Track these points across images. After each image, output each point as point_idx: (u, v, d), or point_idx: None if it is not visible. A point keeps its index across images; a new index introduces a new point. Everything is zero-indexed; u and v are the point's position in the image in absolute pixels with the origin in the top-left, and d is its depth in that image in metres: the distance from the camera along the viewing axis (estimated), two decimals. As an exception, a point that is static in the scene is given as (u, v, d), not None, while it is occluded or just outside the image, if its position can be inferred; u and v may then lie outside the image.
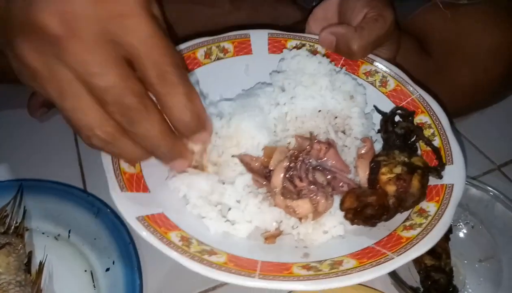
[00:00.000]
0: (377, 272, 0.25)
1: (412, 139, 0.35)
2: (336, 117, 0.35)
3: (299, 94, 0.35)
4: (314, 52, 0.41)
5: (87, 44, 0.24)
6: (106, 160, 0.30)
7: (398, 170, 0.30)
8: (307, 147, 0.32)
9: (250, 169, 0.31)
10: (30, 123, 0.54)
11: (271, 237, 0.30)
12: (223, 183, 0.31)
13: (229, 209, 0.30)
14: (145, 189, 0.30)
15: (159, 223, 0.28)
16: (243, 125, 0.32)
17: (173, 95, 0.26)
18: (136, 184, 0.30)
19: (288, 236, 0.31)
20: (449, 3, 0.48)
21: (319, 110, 0.34)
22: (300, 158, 0.31)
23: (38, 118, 0.48)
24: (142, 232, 0.27)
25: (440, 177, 0.32)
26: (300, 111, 0.34)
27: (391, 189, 0.29)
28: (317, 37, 0.41)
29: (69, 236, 0.40)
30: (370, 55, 0.40)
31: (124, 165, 0.30)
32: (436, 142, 0.35)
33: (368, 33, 0.37)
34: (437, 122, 0.36)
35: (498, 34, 0.48)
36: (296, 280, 0.25)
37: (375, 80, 0.40)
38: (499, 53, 0.49)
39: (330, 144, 0.33)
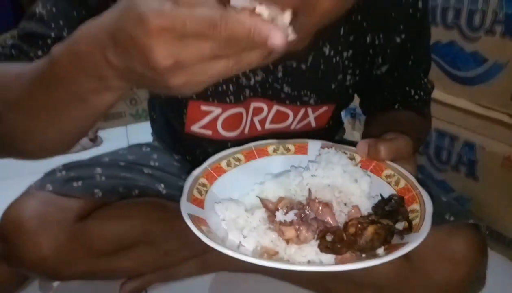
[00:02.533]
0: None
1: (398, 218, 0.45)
2: (340, 191, 0.48)
3: (319, 174, 0.50)
4: (351, 159, 0.56)
5: None
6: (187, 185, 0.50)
7: (364, 220, 0.41)
8: (307, 200, 0.46)
9: (266, 207, 0.47)
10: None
11: (268, 252, 0.44)
12: (247, 212, 0.47)
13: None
14: (202, 207, 0.49)
15: (200, 222, 0.45)
16: (271, 183, 0.50)
17: None
18: (198, 202, 0.49)
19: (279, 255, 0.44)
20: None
21: (328, 185, 0.49)
22: (301, 206, 0.46)
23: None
24: (187, 221, 0.45)
25: (402, 238, 0.40)
26: (315, 184, 0.49)
27: (351, 229, 0.41)
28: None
29: None
30: (394, 164, 0.53)
31: (196, 193, 0.50)
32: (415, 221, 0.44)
33: (392, 141, 0.49)
34: (423, 211, 0.45)
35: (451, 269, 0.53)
36: None
37: (391, 181, 0.52)
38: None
39: (327, 204, 0.46)
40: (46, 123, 0.39)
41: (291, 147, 0.58)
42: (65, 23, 0.47)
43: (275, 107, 0.60)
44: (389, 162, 0.50)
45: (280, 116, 0.62)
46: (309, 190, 0.48)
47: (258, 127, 0.63)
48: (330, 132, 0.76)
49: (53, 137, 0.41)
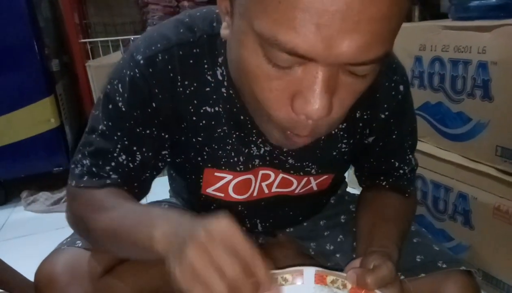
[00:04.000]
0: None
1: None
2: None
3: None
4: (344, 285, 0.54)
5: None
6: None
7: None
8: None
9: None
10: None
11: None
12: None
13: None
14: None
15: None
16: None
17: None
18: None
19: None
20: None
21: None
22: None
23: None
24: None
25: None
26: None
27: None
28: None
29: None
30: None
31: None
32: None
33: (377, 272, 0.51)
34: None
35: None
36: None
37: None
38: None
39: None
40: (116, 249, 0.56)
41: (289, 277, 0.61)
42: (123, 134, 0.56)
43: (281, 175, 0.66)
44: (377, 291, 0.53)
45: (285, 183, 0.68)
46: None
47: (266, 190, 0.68)
48: (332, 192, 0.83)
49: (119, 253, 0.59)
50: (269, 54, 0.36)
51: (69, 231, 0.72)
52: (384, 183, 0.67)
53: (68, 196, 0.62)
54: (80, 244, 0.68)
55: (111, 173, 0.56)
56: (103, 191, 0.56)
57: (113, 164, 0.56)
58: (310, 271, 0.56)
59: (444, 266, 0.62)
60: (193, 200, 0.79)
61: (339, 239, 0.73)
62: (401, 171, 0.66)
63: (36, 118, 1.56)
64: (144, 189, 0.62)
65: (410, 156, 0.67)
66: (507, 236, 0.84)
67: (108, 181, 0.56)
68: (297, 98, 0.38)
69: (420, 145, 1.04)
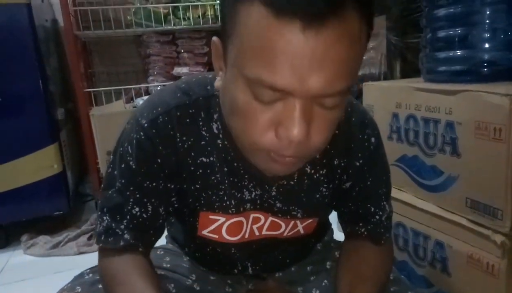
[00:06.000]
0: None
1: None
2: None
3: None
4: None
5: None
6: None
7: None
8: None
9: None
10: None
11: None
12: None
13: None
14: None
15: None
16: None
17: None
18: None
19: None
20: None
21: None
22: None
23: None
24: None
25: None
26: None
27: None
28: None
29: None
30: None
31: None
32: None
33: None
34: None
35: None
36: None
37: None
38: None
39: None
40: None
41: None
42: (135, 189, 0.65)
43: (270, 218, 0.73)
44: None
45: (274, 226, 0.74)
46: None
47: (256, 233, 0.75)
48: (319, 236, 0.89)
49: None
50: (255, 92, 0.46)
51: (67, 275, 0.77)
52: (362, 230, 0.73)
53: (99, 252, 0.71)
54: (79, 290, 0.73)
55: (125, 231, 0.65)
56: (120, 261, 0.65)
57: (128, 217, 0.65)
58: None
59: None
60: (189, 243, 0.85)
61: (323, 284, 0.78)
62: (377, 217, 0.73)
63: (40, 164, 1.63)
64: (159, 233, 0.70)
65: (385, 203, 0.74)
66: (481, 283, 0.90)
67: (122, 243, 0.65)
68: (280, 126, 0.47)
69: (400, 195, 1.11)
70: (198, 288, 0.82)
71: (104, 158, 1.76)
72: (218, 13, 2.16)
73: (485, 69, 0.95)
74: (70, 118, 2.10)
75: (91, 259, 0.84)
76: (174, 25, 2.08)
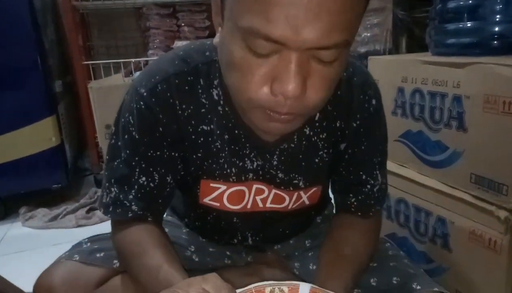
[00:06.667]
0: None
1: None
2: None
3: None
4: None
5: None
6: None
7: None
8: None
9: None
10: None
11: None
12: None
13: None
14: None
15: None
16: None
17: None
18: None
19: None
20: None
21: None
22: None
23: None
24: None
25: None
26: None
27: None
28: None
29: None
30: None
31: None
32: None
33: None
34: None
35: None
36: None
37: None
38: None
39: None
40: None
41: (285, 289, 0.65)
42: (140, 159, 0.63)
43: (274, 191, 0.72)
44: None
45: (278, 199, 0.73)
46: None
47: (260, 204, 0.74)
48: (320, 209, 0.88)
49: None
50: (251, 44, 0.44)
51: (65, 247, 0.76)
52: (353, 201, 0.72)
53: (111, 225, 0.70)
54: (77, 258, 0.73)
55: (133, 202, 0.64)
56: (134, 233, 0.65)
57: (136, 187, 0.64)
58: (305, 287, 0.58)
59: (419, 287, 0.67)
60: (190, 212, 0.84)
61: None
62: (368, 186, 0.71)
63: (38, 136, 1.62)
64: (168, 202, 0.69)
65: (377, 172, 0.72)
66: (482, 259, 0.89)
67: (130, 214, 0.65)
68: (275, 81, 0.46)
69: (403, 171, 1.10)
70: (197, 259, 0.81)
71: (102, 131, 1.74)
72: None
73: (495, 42, 0.92)
74: (68, 91, 2.07)
75: (89, 232, 0.83)
76: (174, -3, 2.03)
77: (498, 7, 0.92)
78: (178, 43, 2.09)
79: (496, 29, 0.92)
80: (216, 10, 0.52)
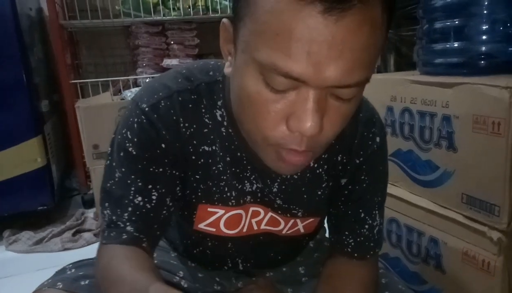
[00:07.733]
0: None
1: None
2: None
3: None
4: None
5: None
6: None
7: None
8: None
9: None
10: None
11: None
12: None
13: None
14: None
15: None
16: None
17: None
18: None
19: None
20: None
21: None
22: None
23: None
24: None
25: None
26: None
27: None
28: None
29: None
30: None
31: None
32: None
33: None
34: None
35: None
36: None
37: None
38: None
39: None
40: None
41: None
42: (137, 176, 0.60)
43: (270, 214, 0.70)
44: None
45: (273, 222, 0.71)
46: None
47: (255, 227, 0.72)
48: (312, 234, 0.86)
49: None
50: (268, 79, 0.43)
51: (51, 272, 0.73)
52: (350, 240, 0.69)
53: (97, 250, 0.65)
54: (61, 286, 0.69)
55: (128, 223, 0.60)
56: (120, 257, 0.59)
57: (130, 208, 0.60)
58: None
59: None
60: (182, 238, 0.82)
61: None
62: (366, 226, 0.69)
63: (23, 158, 1.58)
64: (164, 227, 0.64)
65: (376, 212, 0.70)
66: (476, 280, 0.88)
67: (125, 235, 0.60)
68: (292, 118, 0.44)
69: (393, 190, 1.09)
70: (185, 285, 0.79)
71: (90, 151, 1.71)
72: (209, 4, 2.11)
73: (482, 62, 0.93)
74: (55, 110, 2.04)
75: (76, 255, 0.80)
76: (163, 15, 2.03)
77: (484, 27, 0.93)
78: (167, 61, 2.08)
79: (483, 49, 0.93)
80: (226, 37, 0.50)
